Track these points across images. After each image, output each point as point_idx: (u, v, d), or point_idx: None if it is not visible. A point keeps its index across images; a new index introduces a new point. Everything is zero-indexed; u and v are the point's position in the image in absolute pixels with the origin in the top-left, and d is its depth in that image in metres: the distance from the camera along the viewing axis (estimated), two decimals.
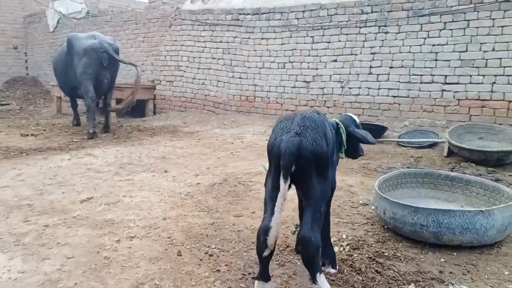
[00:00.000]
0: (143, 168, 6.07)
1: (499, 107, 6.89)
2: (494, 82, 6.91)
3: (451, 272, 3.10)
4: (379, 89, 8.06)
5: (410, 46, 7.64)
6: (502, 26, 6.74)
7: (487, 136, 6.57)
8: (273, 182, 2.61)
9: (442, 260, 3.30)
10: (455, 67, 7.23)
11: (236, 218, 4.21)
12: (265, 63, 9.49)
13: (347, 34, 8.32)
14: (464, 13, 7.05)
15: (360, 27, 8.14)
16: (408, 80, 7.72)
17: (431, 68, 7.46)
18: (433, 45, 7.40)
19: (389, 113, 7.98)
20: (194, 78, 10.70)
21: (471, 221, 3.31)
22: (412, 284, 2.92)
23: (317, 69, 8.77)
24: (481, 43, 6.97)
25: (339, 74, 8.51)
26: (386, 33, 7.86)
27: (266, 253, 2.78)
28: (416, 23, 7.52)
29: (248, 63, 9.76)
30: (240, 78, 9.94)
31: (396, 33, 7.76)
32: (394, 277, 3.02)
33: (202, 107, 10.70)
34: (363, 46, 8.15)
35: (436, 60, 7.40)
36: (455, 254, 3.38)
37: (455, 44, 7.19)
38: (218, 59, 10.21)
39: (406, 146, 7.24)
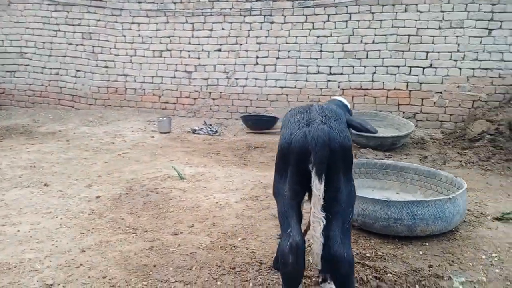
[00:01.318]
0: (11, 183, 4.65)
1: (379, 95, 7.38)
2: (375, 72, 7.37)
3: (439, 265, 2.99)
4: (266, 80, 7.88)
5: (296, 37, 7.63)
6: (381, 20, 7.20)
7: (373, 123, 6.91)
8: (292, 187, 2.09)
9: (421, 253, 3.18)
10: (339, 58, 7.48)
11: (176, 236, 3.44)
12: (138, 51, 8.42)
13: (231, 23, 7.88)
14: (346, 6, 7.32)
15: (245, 16, 7.79)
16: (295, 71, 7.71)
17: (317, 59, 7.58)
18: (318, 37, 7.52)
19: (277, 103, 7.87)
20: (44, 68, 8.91)
21: (441, 209, 3.27)
22: (417, 286, 2.69)
23: (199, 58, 8.13)
24: (362, 36, 7.33)
25: (224, 64, 8.04)
26: (272, 23, 7.70)
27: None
28: (301, 14, 7.53)
29: (116, 50, 8.53)
30: (106, 67, 8.64)
31: (282, 23, 7.65)
32: (395, 281, 2.76)
33: (56, 102, 9.00)
34: (249, 36, 7.83)
35: (321, 51, 7.54)
36: (427, 244, 3.31)
37: (338, 36, 7.43)
38: (77, 45, 8.68)
39: None
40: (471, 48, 6.90)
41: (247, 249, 3.20)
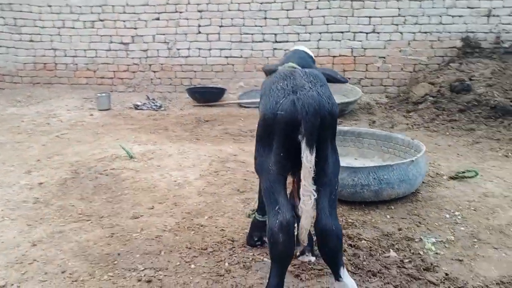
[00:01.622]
0: None
1: (325, 62, 7.35)
2: (320, 39, 7.31)
3: (408, 228, 3.03)
4: (210, 49, 7.55)
5: (239, 3, 7.33)
6: None
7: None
8: (278, 161, 1.94)
9: (388, 217, 3.20)
10: (284, 25, 7.32)
11: (136, 220, 3.20)
12: (66, 22, 7.69)
13: None
14: None
15: None
16: (239, 39, 7.45)
17: (262, 26, 7.36)
18: (262, 3, 7.28)
19: (223, 74, 7.61)
20: None
21: (405, 173, 3.30)
22: (391, 250, 2.71)
23: (136, 28, 7.59)
24: (306, 2, 7.19)
25: (164, 34, 7.58)
26: None
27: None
28: None
29: (41, 22, 7.73)
30: (31, 41, 7.83)
31: None
32: (370, 247, 2.75)
33: None
34: (189, 3, 7.40)
35: (265, 18, 7.32)
36: (393, 208, 3.34)
37: (282, 3, 7.23)
38: None
39: (249, 107, 7.06)
40: (411, 12, 7.02)
41: (216, 227, 3.05)
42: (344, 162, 3.98)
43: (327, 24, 7.23)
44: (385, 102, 6.95)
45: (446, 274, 2.41)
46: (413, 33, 7.09)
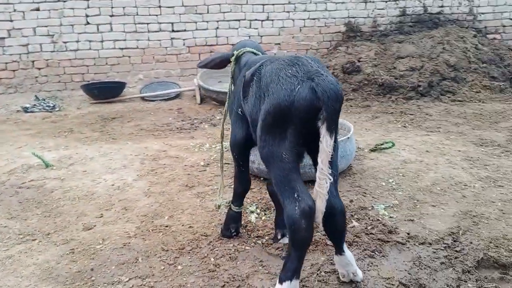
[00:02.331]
0: None
1: (225, 50, 7.43)
2: (218, 28, 7.35)
3: (357, 198, 3.33)
4: (102, 41, 7.04)
5: None
6: None
7: (225, 79, 7.03)
8: (294, 148, 1.98)
9: None
10: (180, 14, 7.17)
11: (91, 231, 2.97)
12: None
13: None
14: None
15: None
16: (134, 29, 7.08)
17: (157, 15, 7.10)
18: None
19: (120, 67, 7.17)
20: None
21: (344, 149, 3.60)
22: (353, 221, 2.98)
23: (12, 21, 6.69)
24: None
25: (47, 26, 6.82)
26: None
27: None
28: None
29: None
30: None
31: None
32: None
33: None
34: None
35: (160, 7, 7.08)
36: None
37: None
38: None
39: (153, 100, 6.82)
40: (300, 0, 7.48)
41: (182, 225, 2.97)
42: None
43: (224, 13, 7.30)
44: None
45: (408, 233, 2.76)
46: (303, 19, 7.57)
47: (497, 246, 2.59)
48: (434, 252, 2.57)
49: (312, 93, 1.87)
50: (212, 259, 2.55)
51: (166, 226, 2.97)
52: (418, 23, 7.79)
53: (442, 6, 7.86)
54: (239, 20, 7.38)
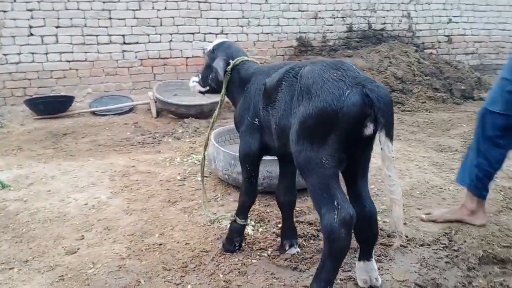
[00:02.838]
0: None
1: (179, 63, 7.27)
2: (171, 40, 7.17)
3: None
4: (47, 53, 6.56)
5: (78, 2, 6.57)
6: None
7: (180, 92, 6.87)
8: (336, 155, 1.92)
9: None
10: (132, 26, 6.91)
11: (76, 255, 2.71)
12: None
13: None
14: None
15: None
16: (82, 41, 6.69)
17: (107, 27, 6.78)
18: (104, 2, 6.69)
19: (66, 81, 6.72)
20: None
21: None
22: None
23: None
24: (153, 2, 6.94)
25: None
26: None
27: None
28: None
29: None
30: None
31: None
32: None
33: None
34: (14, 1, 6.27)
35: (110, 18, 6.77)
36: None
37: (128, 2, 6.81)
38: None
39: (105, 115, 6.46)
40: (253, 15, 7.55)
41: (177, 242, 2.80)
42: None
43: (177, 25, 7.16)
44: None
45: (406, 236, 2.82)
46: (257, 34, 7.65)
47: (488, 243, 2.72)
48: (436, 253, 2.65)
49: (363, 99, 1.82)
50: (221, 275, 2.42)
51: (160, 245, 2.77)
52: (364, 39, 8.19)
53: (384, 23, 8.35)
54: (193, 33, 7.28)
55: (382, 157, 1.85)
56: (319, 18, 7.93)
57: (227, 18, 7.40)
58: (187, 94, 6.84)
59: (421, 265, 2.51)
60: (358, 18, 8.18)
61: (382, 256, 2.60)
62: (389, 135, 1.81)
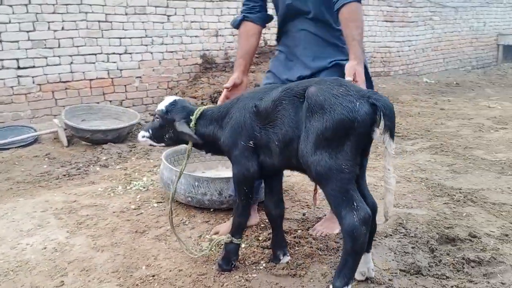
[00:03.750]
0: None
1: (83, 86, 6.85)
2: (72, 62, 6.72)
3: (308, 211, 3.67)
4: None
5: None
6: (67, 4, 6.55)
7: (88, 117, 6.51)
8: (355, 159, 2.19)
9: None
10: (26, 49, 6.32)
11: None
12: None
13: None
14: None
15: None
16: None
17: None
18: None
19: None
20: None
21: None
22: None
23: None
24: (49, 22, 6.43)
25: None
26: None
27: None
28: None
29: None
30: None
31: None
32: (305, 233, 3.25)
33: None
34: None
35: (1, 41, 6.11)
36: None
37: (20, 23, 6.21)
38: None
39: (6, 149, 5.77)
40: (156, 33, 7.51)
41: (170, 271, 2.78)
42: (211, 174, 4.22)
43: (78, 46, 6.77)
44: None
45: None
46: (162, 53, 7.62)
47: (435, 227, 3.27)
48: (400, 241, 3.09)
49: (372, 108, 2.13)
50: None
51: (153, 276, 2.73)
52: (262, 54, 8.71)
53: None
54: (95, 54, 6.95)
55: (385, 154, 2.19)
56: (220, 35, 8.22)
57: (130, 38, 7.23)
58: (96, 118, 6.57)
59: (394, 253, 2.92)
60: None
61: None
62: (392, 136, 2.15)
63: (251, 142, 2.53)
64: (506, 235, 3.10)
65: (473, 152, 5.18)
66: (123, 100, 7.30)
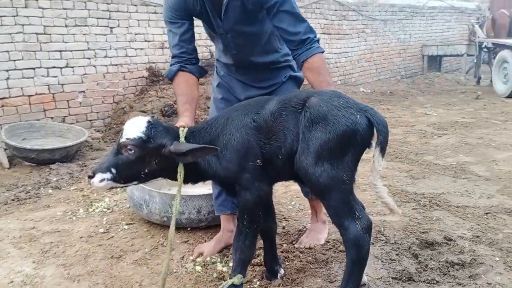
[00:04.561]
0: None
1: (21, 103, 6.31)
2: (9, 77, 6.17)
3: (287, 224, 3.66)
4: None
5: None
6: (1, 16, 6.03)
7: (29, 135, 6.02)
8: (354, 170, 2.23)
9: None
10: None
11: None
12: None
13: None
14: None
15: None
16: None
17: None
18: None
19: None
20: None
21: None
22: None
23: None
24: None
25: None
26: None
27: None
28: None
29: None
30: None
31: None
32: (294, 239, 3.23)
33: None
34: None
35: None
36: None
37: None
38: None
39: None
40: (99, 46, 7.16)
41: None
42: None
43: (14, 60, 6.26)
44: (99, 137, 6.84)
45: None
46: (106, 66, 7.28)
47: (411, 233, 3.40)
48: (382, 249, 3.17)
49: (370, 122, 2.17)
50: None
51: None
52: (209, 67, 8.61)
53: None
54: (34, 68, 6.46)
55: (372, 169, 2.22)
56: (165, 48, 8.01)
57: (71, 50, 6.82)
58: (38, 136, 6.13)
59: (382, 261, 2.98)
60: (200, 48, 8.57)
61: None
62: (382, 152, 2.18)
63: (258, 161, 2.34)
64: (477, 237, 3.30)
65: (424, 157, 5.50)
66: (66, 116, 6.85)
